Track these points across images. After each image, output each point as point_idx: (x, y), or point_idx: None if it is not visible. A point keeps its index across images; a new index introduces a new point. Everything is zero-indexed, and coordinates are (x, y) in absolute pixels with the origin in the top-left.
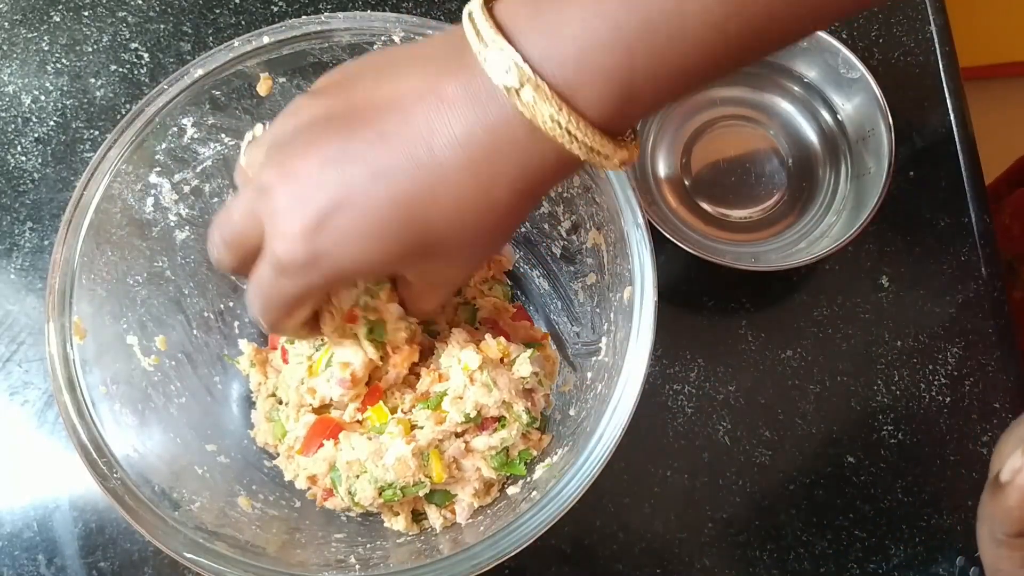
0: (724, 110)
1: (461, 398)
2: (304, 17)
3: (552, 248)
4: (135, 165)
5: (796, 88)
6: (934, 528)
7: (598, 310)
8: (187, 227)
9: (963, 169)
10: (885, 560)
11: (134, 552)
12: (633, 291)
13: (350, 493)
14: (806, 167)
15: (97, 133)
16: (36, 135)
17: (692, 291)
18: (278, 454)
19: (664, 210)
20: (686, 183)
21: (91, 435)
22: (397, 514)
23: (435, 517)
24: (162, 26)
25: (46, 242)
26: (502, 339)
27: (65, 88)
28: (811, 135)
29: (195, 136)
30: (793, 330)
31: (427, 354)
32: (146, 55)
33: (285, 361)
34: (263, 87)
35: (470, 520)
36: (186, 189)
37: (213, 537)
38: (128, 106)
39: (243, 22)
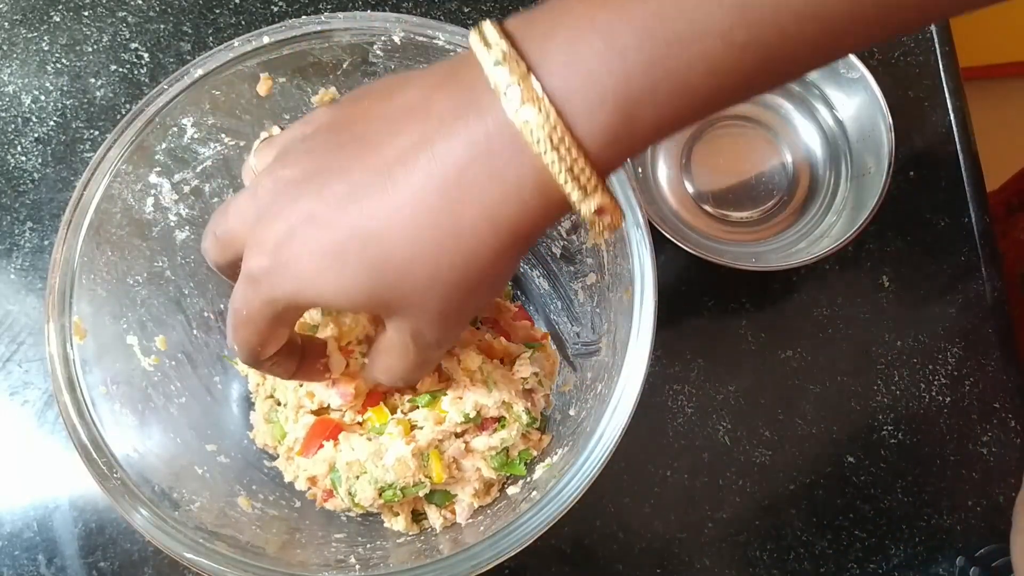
0: (724, 110)
1: (461, 398)
2: (304, 17)
3: (552, 248)
4: (135, 165)
5: (796, 88)
6: (934, 528)
7: (598, 310)
8: (187, 227)
9: (963, 169)
10: (885, 560)
11: (134, 552)
12: (633, 291)
13: (350, 494)
14: (806, 167)
15: (97, 133)
16: (36, 135)
17: (692, 291)
18: (278, 455)
19: (664, 210)
20: (686, 183)
21: (91, 435)
22: (397, 514)
23: (435, 517)
24: (162, 26)
25: (46, 242)
26: (502, 339)
27: (65, 88)
28: (811, 135)
29: (195, 136)
30: (793, 330)
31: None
32: (146, 55)
33: None
34: (263, 87)
35: (470, 520)
36: (186, 189)
37: (213, 537)
38: (128, 106)
39: (243, 22)
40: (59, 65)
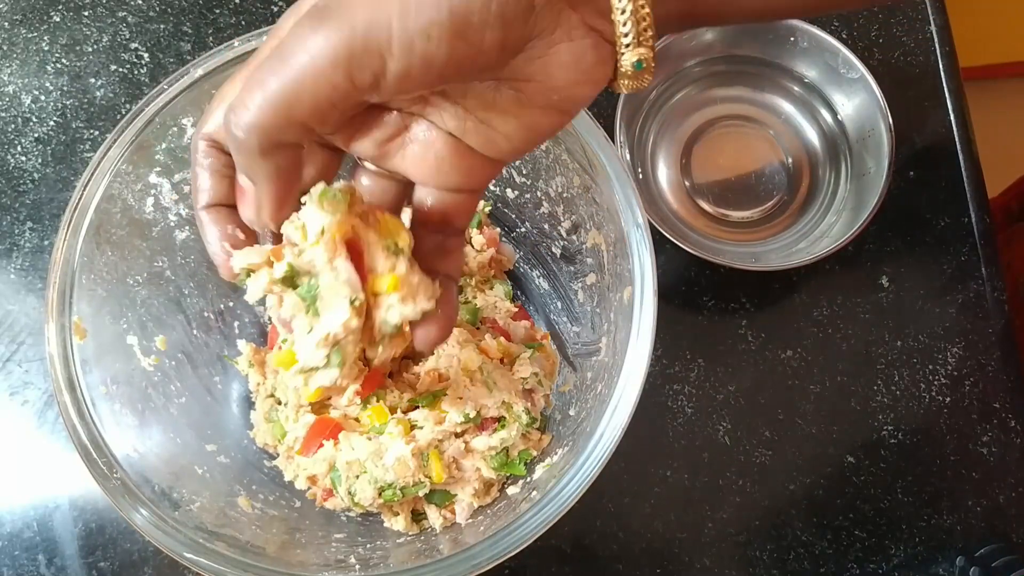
0: (724, 110)
1: (461, 398)
2: None
3: (552, 248)
4: (135, 165)
5: (796, 88)
6: (934, 528)
7: (598, 310)
8: (187, 227)
9: (963, 169)
10: (885, 560)
11: (134, 552)
12: (633, 291)
13: (350, 493)
14: (806, 167)
15: (97, 133)
16: (36, 135)
17: (692, 291)
18: (278, 454)
19: (664, 210)
20: (686, 183)
21: (91, 435)
22: (397, 514)
23: (435, 517)
24: (162, 26)
25: (46, 242)
26: (502, 339)
27: (65, 88)
28: (811, 135)
29: None
30: (793, 330)
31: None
32: (146, 55)
33: None
34: None
35: (470, 520)
36: (186, 189)
37: (213, 537)
38: (128, 106)
39: (243, 22)
40: (59, 65)
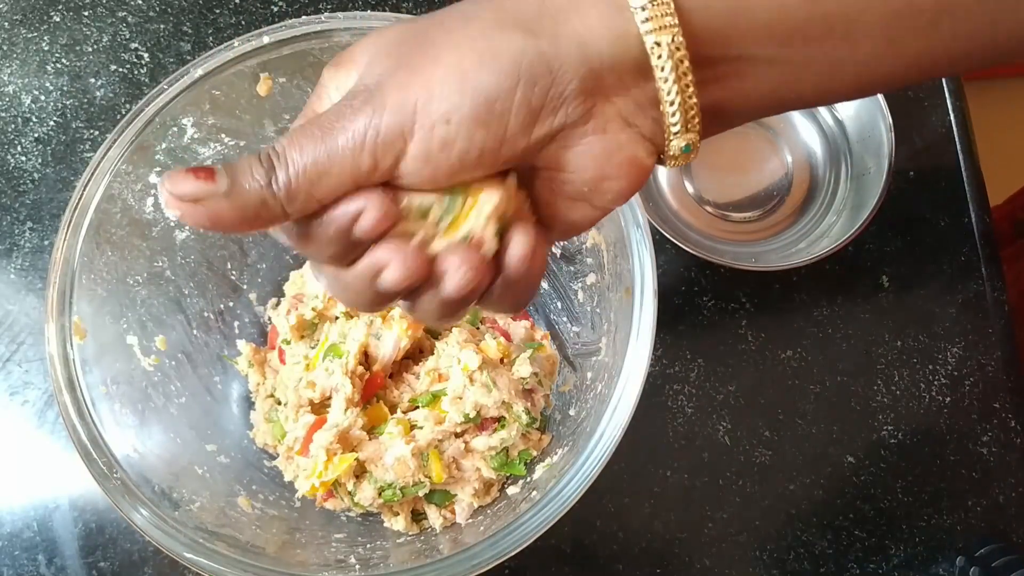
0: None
1: (461, 398)
2: (304, 17)
3: (552, 248)
4: (135, 165)
5: None
6: (934, 528)
7: (598, 310)
8: (187, 227)
9: (963, 169)
10: (885, 560)
11: (134, 552)
12: (633, 291)
13: (350, 493)
14: (806, 167)
15: (97, 133)
16: (36, 135)
17: (692, 291)
18: (278, 454)
19: (664, 210)
20: (686, 183)
21: (91, 435)
22: (397, 514)
23: (435, 517)
24: (162, 26)
25: (46, 242)
26: (502, 339)
27: (65, 88)
28: (811, 135)
29: (195, 136)
30: (793, 330)
31: (425, 354)
32: (146, 55)
33: (283, 361)
34: (263, 87)
35: (470, 520)
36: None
37: (213, 537)
38: (128, 106)
39: (243, 22)
40: (59, 65)
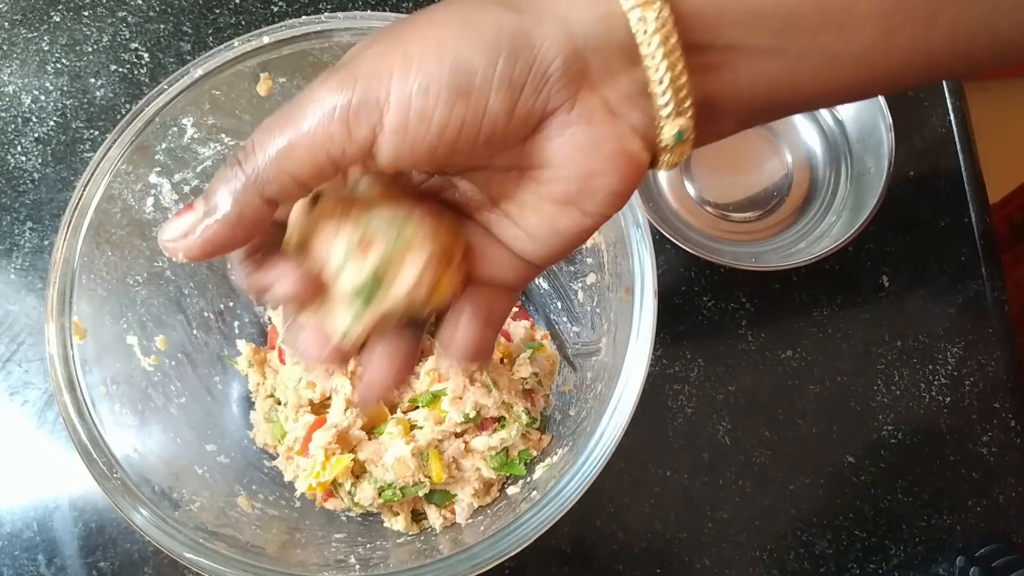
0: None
1: (461, 398)
2: (304, 17)
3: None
4: (135, 165)
5: None
6: (934, 528)
7: (598, 310)
8: None
9: (963, 169)
10: (885, 560)
11: (134, 552)
12: (633, 291)
13: (350, 493)
14: (806, 167)
15: (97, 133)
16: (36, 135)
17: (692, 291)
18: (278, 454)
19: (664, 210)
20: (686, 183)
21: (91, 435)
22: (397, 514)
23: (435, 517)
24: (162, 26)
25: (46, 242)
26: (502, 339)
27: (65, 88)
28: (811, 135)
29: (195, 136)
30: (793, 330)
31: (425, 354)
32: (146, 55)
33: (282, 361)
34: (263, 87)
35: (470, 520)
36: (186, 189)
37: (213, 537)
38: (128, 106)
39: (243, 22)
40: (59, 65)
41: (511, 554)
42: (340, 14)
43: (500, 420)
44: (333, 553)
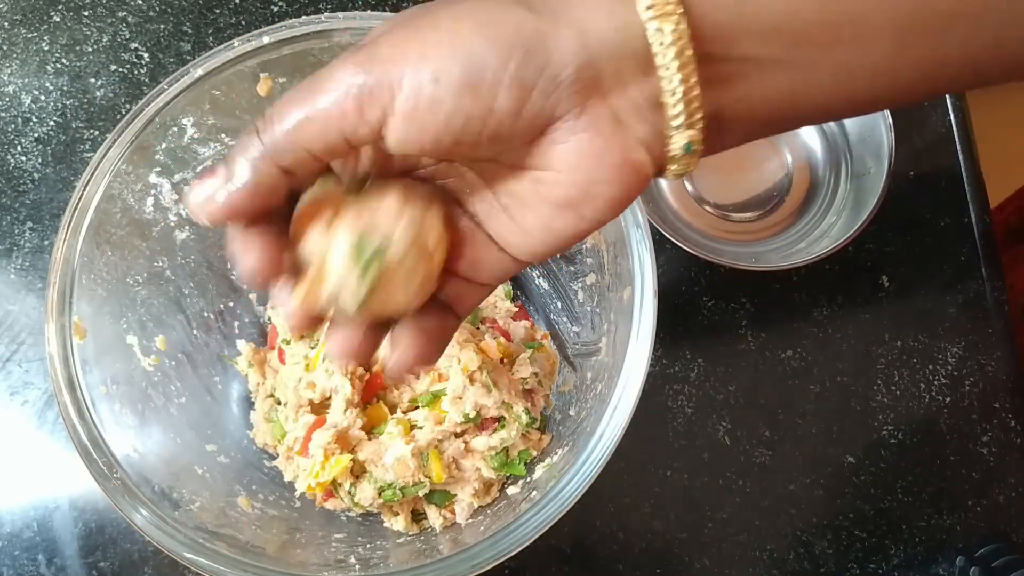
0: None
1: (460, 398)
2: (304, 17)
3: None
4: (135, 165)
5: None
6: (934, 528)
7: (598, 310)
8: (187, 227)
9: (963, 169)
10: (885, 560)
11: (134, 552)
12: (633, 291)
13: (350, 493)
14: (806, 167)
15: (97, 133)
16: (36, 135)
17: (692, 291)
18: (278, 454)
19: (664, 210)
20: (686, 183)
21: (91, 435)
22: (397, 514)
23: (435, 517)
24: (162, 26)
25: (46, 242)
26: (502, 339)
27: (65, 88)
28: (811, 135)
29: (195, 136)
30: (793, 330)
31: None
32: (146, 55)
33: (282, 362)
34: (263, 87)
35: (470, 520)
36: (186, 189)
37: (213, 537)
38: (128, 106)
39: (243, 22)
40: (59, 65)
41: (511, 554)
42: (340, 14)
43: (500, 420)
44: (333, 553)
